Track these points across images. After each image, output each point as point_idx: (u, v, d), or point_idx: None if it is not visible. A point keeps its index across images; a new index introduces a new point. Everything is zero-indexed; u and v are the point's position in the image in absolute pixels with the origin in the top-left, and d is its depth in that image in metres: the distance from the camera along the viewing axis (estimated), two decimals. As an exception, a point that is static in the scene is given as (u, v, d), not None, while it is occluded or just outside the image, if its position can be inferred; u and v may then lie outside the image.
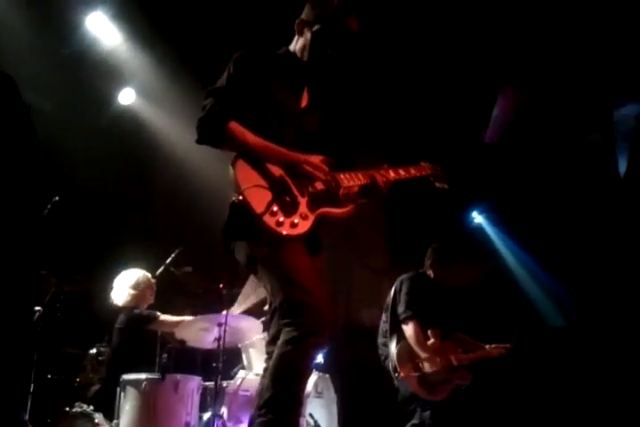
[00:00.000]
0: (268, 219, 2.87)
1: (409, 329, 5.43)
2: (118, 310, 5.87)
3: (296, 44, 3.32)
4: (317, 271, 3.12)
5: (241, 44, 3.30)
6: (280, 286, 2.93)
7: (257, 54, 3.23)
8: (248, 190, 2.88)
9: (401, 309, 5.54)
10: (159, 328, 5.60)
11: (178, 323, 5.51)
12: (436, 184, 3.76)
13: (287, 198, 2.96)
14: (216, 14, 7.03)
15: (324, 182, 3.08)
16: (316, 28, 3.21)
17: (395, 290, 5.71)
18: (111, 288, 5.92)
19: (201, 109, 3.05)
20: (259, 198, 2.89)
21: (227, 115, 3.00)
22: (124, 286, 5.84)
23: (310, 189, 3.06)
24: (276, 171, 3.00)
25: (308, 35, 3.24)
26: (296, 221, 2.93)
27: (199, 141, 3.04)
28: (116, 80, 7.82)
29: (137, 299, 5.83)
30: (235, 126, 2.99)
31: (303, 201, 3.01)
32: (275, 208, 2.89)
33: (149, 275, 5.98)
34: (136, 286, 5.84)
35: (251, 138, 2.99)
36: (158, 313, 5.74)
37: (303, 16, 3.28)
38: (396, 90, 7.80)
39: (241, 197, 2.88)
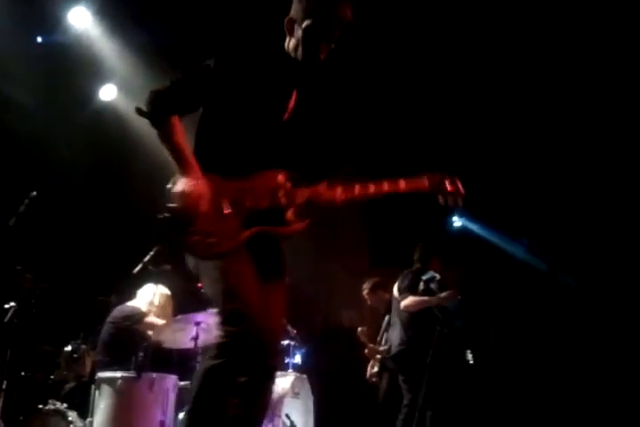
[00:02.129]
0: (189, 238, 2.74)
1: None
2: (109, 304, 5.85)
3: (289, 45, 3.06)
4: (280, 298, 3.00)
5: (224, 40, 3.14)
6: (221, 298, 2.84)
7: (244, 53, 3.02)
8: (174, 208, 2.74)
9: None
10: (145, 329, 5.53)
11: (162, 327, 5.47)
12: (440, 200, 3.12)
13: (211, 216, 2.77)
14: (199, 9, 7.00)
15: (270, 200, 2.88)
16: (306, 23, 2.97)
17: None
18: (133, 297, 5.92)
19: (169, 81, 2.87)
20: (182, 216, 2.74)
21: (177, 108, 2.86)
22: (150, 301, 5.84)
23: (248, 205, 2.84)
24: (204, 188, 2.80)
25: (299, 32, 3.00)
26: (214, 240, 2.75)
27: (139, 112, 2.86)
28: (98, 76, 7.77)
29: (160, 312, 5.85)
30: (174, 123, 2.83)
31: (230, 219, 2.81)
32: (197, 228, 2.73)
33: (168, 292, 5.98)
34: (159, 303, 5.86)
35: (176, 144, 2.82)
36: (147, 315, 5.70)
37: (292, 13, 3.03)
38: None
39: (167, 215, 2.75)
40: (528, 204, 8.18)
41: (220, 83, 2.92)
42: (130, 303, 5.91)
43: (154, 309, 5.82)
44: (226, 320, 2.79)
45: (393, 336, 6.07)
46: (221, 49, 3.02)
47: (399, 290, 6.11)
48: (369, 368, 7.06)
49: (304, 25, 2.98)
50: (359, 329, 7.13)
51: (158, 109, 2.86)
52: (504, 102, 7.83)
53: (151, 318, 5.70)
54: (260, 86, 2.96)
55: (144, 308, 5.81)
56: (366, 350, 7.01)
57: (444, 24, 7.17)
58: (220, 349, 2.76)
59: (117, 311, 5.78)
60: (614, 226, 7.71)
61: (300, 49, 3.02)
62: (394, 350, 6.03)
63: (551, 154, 7.94)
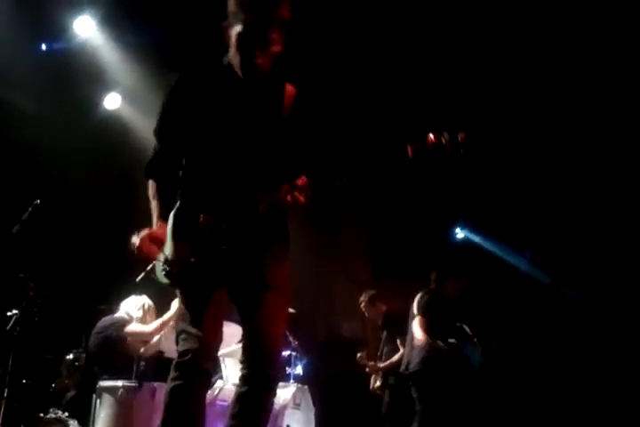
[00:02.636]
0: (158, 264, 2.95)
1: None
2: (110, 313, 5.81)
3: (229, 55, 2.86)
4: (278, 309, 2.96)
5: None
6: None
7: (191, 82, 2.92)
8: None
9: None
10: (128, 336, 5.43)
11: (148, 334, 5.37)
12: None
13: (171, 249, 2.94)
14: (203, 18, 7.00)
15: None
16: (237, 30, 2.71)
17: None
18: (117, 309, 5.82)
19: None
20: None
21: (153, 172, 3.05)
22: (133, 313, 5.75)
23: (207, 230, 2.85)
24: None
25: (234, 40, 2.76)
26: (174, 269, 2.90)
27: None
28: (102, 84, 7.78)
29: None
30: (150, 185, 3.05)
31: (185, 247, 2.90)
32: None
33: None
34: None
35: (151, 199, 3.05)
36: (129, 322, 5.57)
37: (227, 20, 2.77)
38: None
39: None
40: (531, 216, 8.18)
41: (175, 119, 2.96)
42: (116, 315, 5.83)
43: (137, 321, 5.71)
44: (177, 341, 2.87)
45: (414, 353, 5.93)
46: (169, 88, 2.98)
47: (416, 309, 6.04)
48: (372, 382, 7.08)
49: (235, 32, 2.73)
50: (358, 355, 7.21)
51: (145, 174, 3.08)
52: (505, 108, 7.82)
53: (134, 326, 5.46)
54: (208, 106, 2.90)
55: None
56: (367, 369, 7.06)
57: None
58: (177, 369, 2.82)
59: (101, 322, 5.68)
60: (617, 238, 7.71)
61: (236, 58, 2.81)
62: (414, 367, 5.85)
63: (555, 166, 7.93)
